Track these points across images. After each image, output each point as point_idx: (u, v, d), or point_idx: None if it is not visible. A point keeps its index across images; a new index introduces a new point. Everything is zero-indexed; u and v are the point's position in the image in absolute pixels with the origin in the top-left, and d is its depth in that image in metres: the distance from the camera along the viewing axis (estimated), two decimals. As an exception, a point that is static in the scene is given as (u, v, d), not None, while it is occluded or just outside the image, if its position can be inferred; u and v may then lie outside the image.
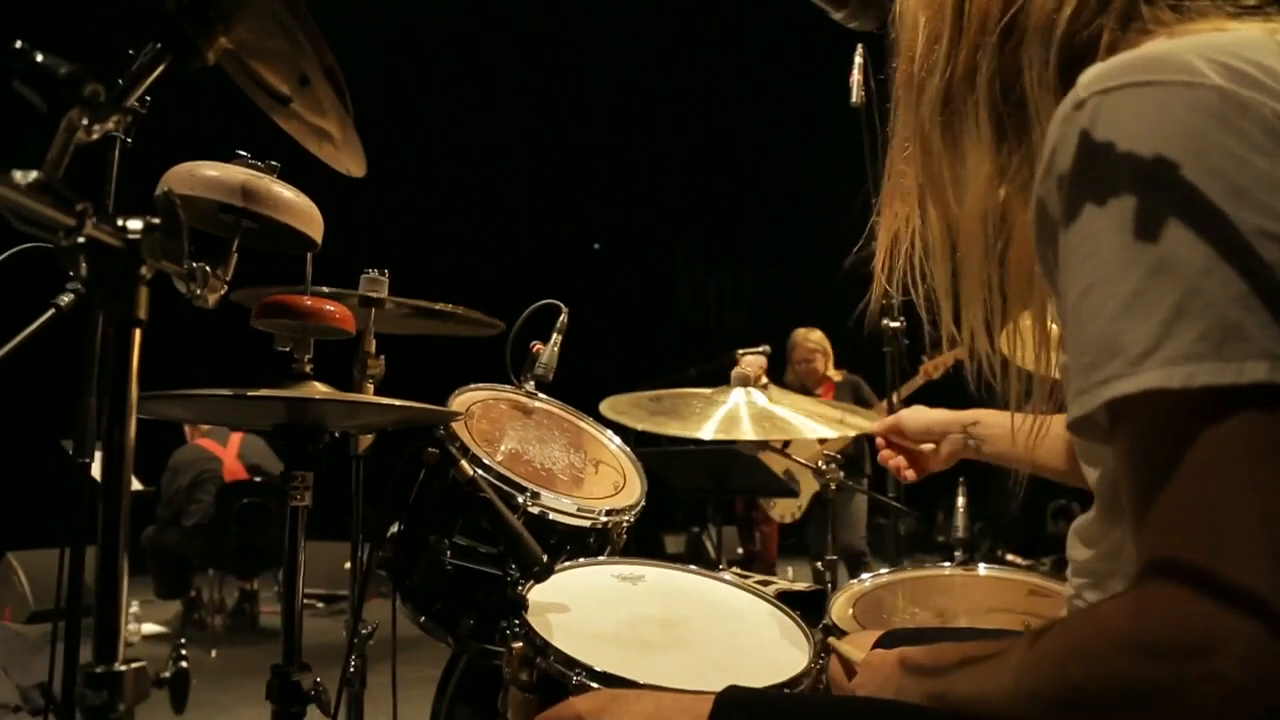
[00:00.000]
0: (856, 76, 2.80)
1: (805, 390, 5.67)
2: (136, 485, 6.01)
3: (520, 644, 1.38)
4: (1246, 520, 0.62)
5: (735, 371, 2.43)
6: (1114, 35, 0.84)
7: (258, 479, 5.60)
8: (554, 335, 2.14)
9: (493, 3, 9.40)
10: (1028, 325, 0.94)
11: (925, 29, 0.93)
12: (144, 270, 0.80)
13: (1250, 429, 0.64)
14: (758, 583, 1.88)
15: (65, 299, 1.45)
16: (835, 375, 5.69)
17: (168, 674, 0.81)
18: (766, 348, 6.61)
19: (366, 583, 1.65)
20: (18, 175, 0.65)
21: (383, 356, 1.85)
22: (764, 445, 4.17)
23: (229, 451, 5.75)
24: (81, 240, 0.71)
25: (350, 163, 0.99)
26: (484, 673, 1.99)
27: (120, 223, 0.78)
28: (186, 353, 3.56)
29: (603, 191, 11.59)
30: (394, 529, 1.86)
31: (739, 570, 1.95)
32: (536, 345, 2.15)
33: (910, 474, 1.72)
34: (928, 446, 1.74)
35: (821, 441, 3.72)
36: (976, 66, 0.89)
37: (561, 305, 2.17)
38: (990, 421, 1.61)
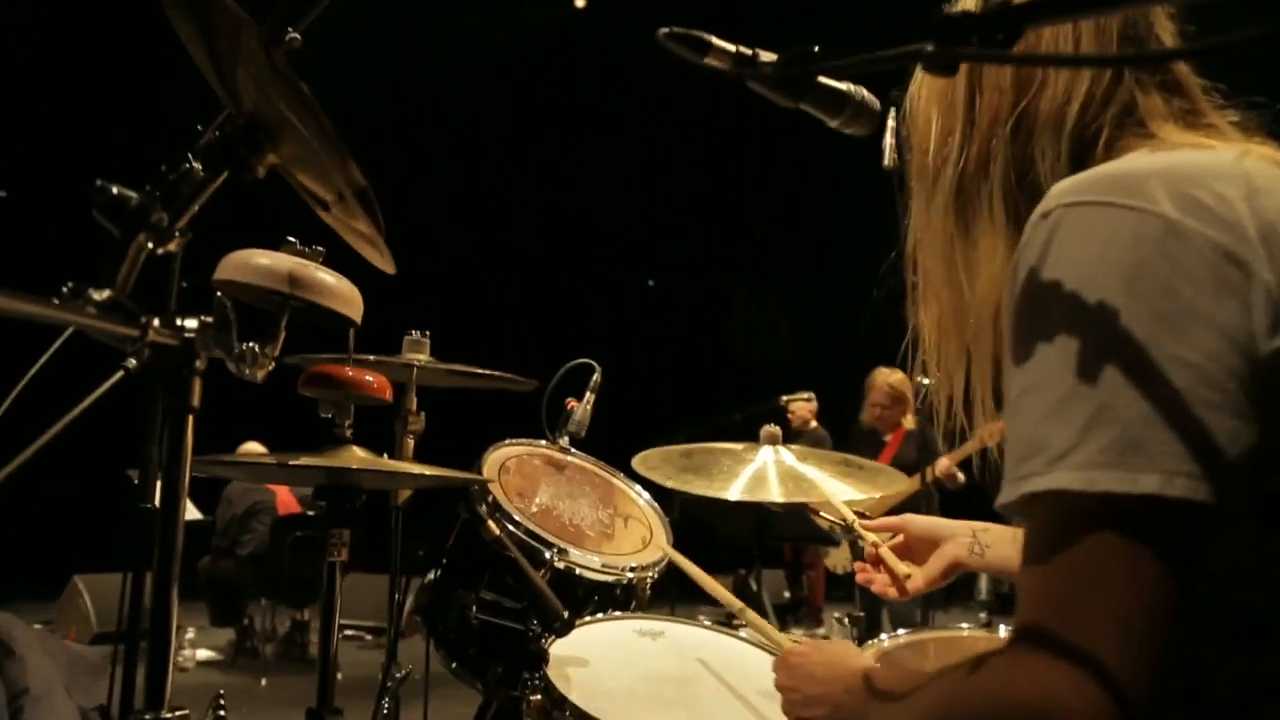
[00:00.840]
0: (889, 140, 2.86)
1: (875, 433, 5.63)
2: (195, 514, 6.23)
3: (539, 697, 1.47)
4: (1104, 615, 0.70)
5: (765, 430, 2.49)
6: (1112, 133, 0.92)
7: (310, 512, 5.77)
8: (587, 394, 2.23)
9: (541, 53, 9.64)
10: None
11: (938, 123, 1.01)
12: (198, 362, 0.91)
13: (1132, 534, 0.71)
14: (792, 639, 1.94)
15: (133, 362, 1.58)
16: (909, 423, 5.58)
17: (207, 722, 0.91)
18: (810, 394, 6.61)
19: (396, 634, 1.74)
20: (93, 293, 0.76)
21: (423, 414, 1.95)
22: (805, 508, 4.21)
23: (283, 490, 5.93)
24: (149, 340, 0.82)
25: (383, 263, 1.10)
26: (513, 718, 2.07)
27: (178, 322, 0.89)
28: (239, 412, 3.73)
29: (659, 229, 11.73)
30: (430, 576, 1.96)
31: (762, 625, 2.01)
32: (571, 402, 2.24)
33: (893, 592, 1.57)
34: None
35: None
36: (990, 157, 0.95)
37: (595, 365, 2.26)
38: (1000, 529, 1.55)
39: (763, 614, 1.79)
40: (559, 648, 1.58)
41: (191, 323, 0.90)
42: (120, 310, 0.77)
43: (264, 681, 5.41)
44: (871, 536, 1.60)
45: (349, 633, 6.55)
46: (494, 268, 11.07)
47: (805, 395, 6.31)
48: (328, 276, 1.22)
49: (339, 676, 2.12)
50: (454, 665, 1.89)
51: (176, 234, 0.83)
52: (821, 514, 3.46)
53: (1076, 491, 0.72)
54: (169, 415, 0.89)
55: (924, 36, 0.74)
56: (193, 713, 0.93)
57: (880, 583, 1.55)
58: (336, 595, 1.47)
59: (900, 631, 2.20)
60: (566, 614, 1.55)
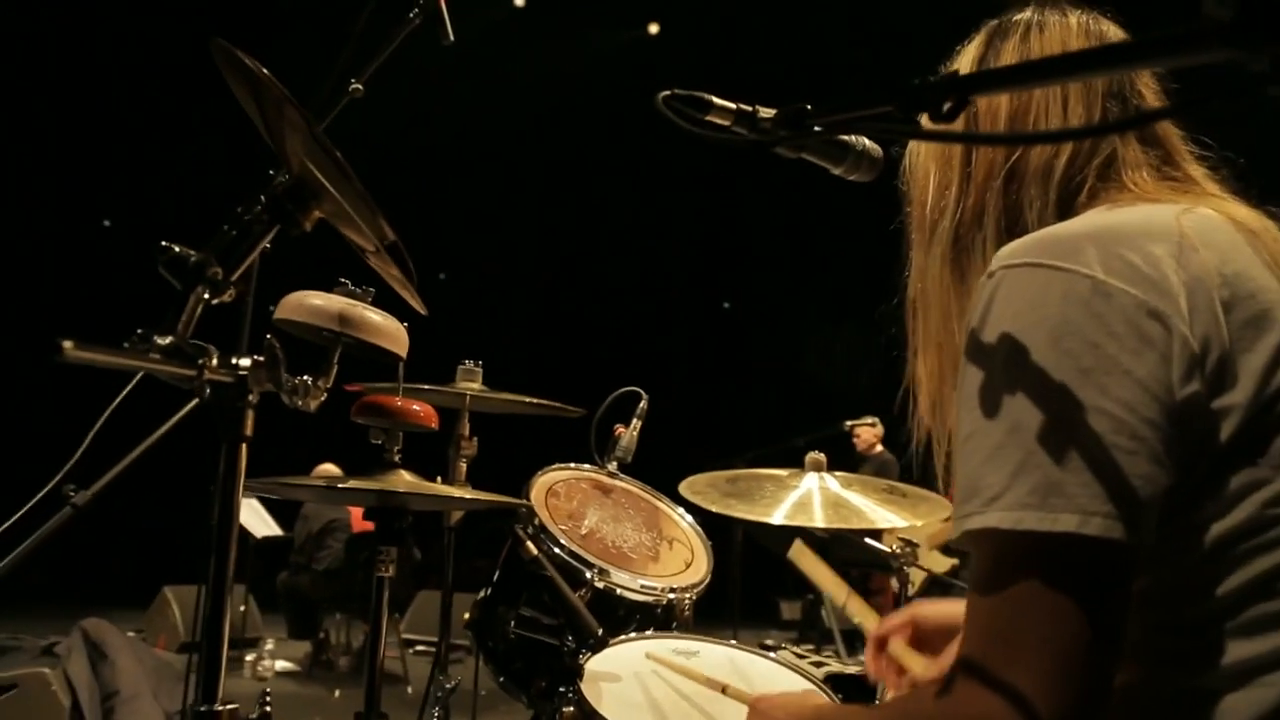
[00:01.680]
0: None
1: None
2: (274, 530, 6.49)
3: (572, 709, 1.55)
4: (1031, 644, 0.77)
5: (809, 457, 2.54)
6: (1094, 184, 0.99)
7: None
8: (634, 420, 2.32)
9: (609, 76, 9.81)
10: None
11: (935, 177, 1.08)
12: (251, 397, 1.03)
13: (1055, 569, 0.78)
14: (811, 664, 1.99)
15: (208, 391, 1.73)
16: None
17: (254, 716, 1.02)
18: (875, 419, 6.58)
19: (446, 644, 1.85)
20: (158, 339, 0.88)
21: (475, 439, 2.07)
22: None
23: (356, 510, 6.15)
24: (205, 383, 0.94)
25: (417, 305, 1.22)
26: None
27: (233, 361, 1.01)
28: (301, 435, 3.97)
29: (734, 252, 11.80)
30: (482, 594, 2.07)
31: (796, 650, 2.07)
32: (619, 429, 2.33)
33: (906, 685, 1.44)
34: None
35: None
36: (984, 208, 1.02)
37: (642, 392, 2.35)
38: None
39: (830, 640, 1.85)
40: (594, 664, 1.67)
41: (245, 361, 1.02)
42: (181, 354, 0.89)
43: (337, 693, 5.60)
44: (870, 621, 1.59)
45: (420, 647, 6.72)
46: (555, 295, 11.30)
47: (870, 420, 6.31)
48: (375, 315, 1.34)
49: (408, 690, 2.24)
50: (501, 679, 1.98)
51: (230, 286, 0.95)
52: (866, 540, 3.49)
53: (1006, 530, 0.79)
54: (224, 443, 1.01)
55: (889, 100, 0.82)
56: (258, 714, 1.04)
57: (890, 679, 1.42)
58: (384, 609, 1.58)
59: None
60: (600, 631, 1.63)
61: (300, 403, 1.24)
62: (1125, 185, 0.99)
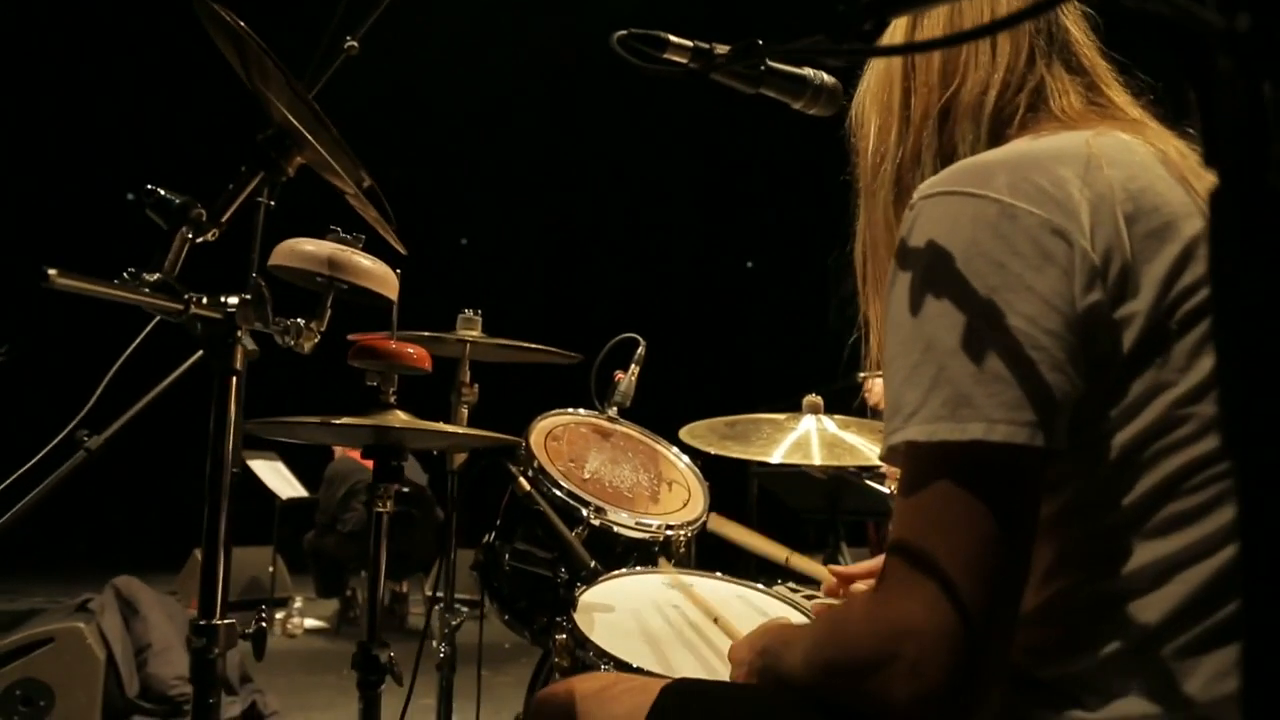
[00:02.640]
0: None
1: None
2: (302, 492, 6.63)
3: (564, 636, 1.63)
4: (944, 547, 0.83)
5: (807, 399, 2.60)
6: (1024, 115, 1.04)
7: (405, 489, 6.09)
8: (632, 366, 2.37)
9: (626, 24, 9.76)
10: None
11: (877, 123, 1.13)
12: (240, 333, 1.10)
13: (965, 477, 0.84)
14: (805, 597, 2.06)
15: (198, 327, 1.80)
16: None
17: (250, 630, 1.10)
18: (819, 398, 6.59)
19: (452, 579, 1.93)
20: (146, 276, 0.94)
21: (476, 385, 2.14)
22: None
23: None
24: (192, 316, 1.01)
25: (397, 246, 1.28)
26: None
27: (221, 299, 1.08)
28: (295, 384, 4.10)
29: (757, 210, 11.76)
30: (486, 537, 2.15)
31: (794, 585, 2.13)
32: (618, 374, 2.39)
33: None
34: None
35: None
36: (921, 148, 1.07)
37: (640, 338, 2.40)
38: None
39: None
40: (589, 596, 1.74)
41: (232, 299, 1.08)
42: (169, 289, 0.96)
43: (366, 648, 5.76)
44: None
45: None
46: (564, 247, 11.33)
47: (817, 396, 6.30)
48: (364, 260, 1.40)
49: (433, 644, 2.35)
50: (506, 617, 2.07)
51: (214, 227, 1.02)
52: (868, 481, 3.54)
53: (922, 442, 0.85)
54: (217, 376, 1.08)
55: (821, 28, 0.87)
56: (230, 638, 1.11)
57: None
58: (383, 544, 1.66)
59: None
60: (594, 564, 1.70)
61: (293, 343, 1.30)
62: (1054, 114, 1.03)
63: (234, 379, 1.09)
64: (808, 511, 5.11)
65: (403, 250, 1.31)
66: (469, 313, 2.13)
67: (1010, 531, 0.84)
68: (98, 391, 1.60)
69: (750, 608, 1.85)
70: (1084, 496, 0.89)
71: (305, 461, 6.87)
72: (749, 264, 12.73)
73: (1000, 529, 0.83)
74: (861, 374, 6.19)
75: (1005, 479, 0.85)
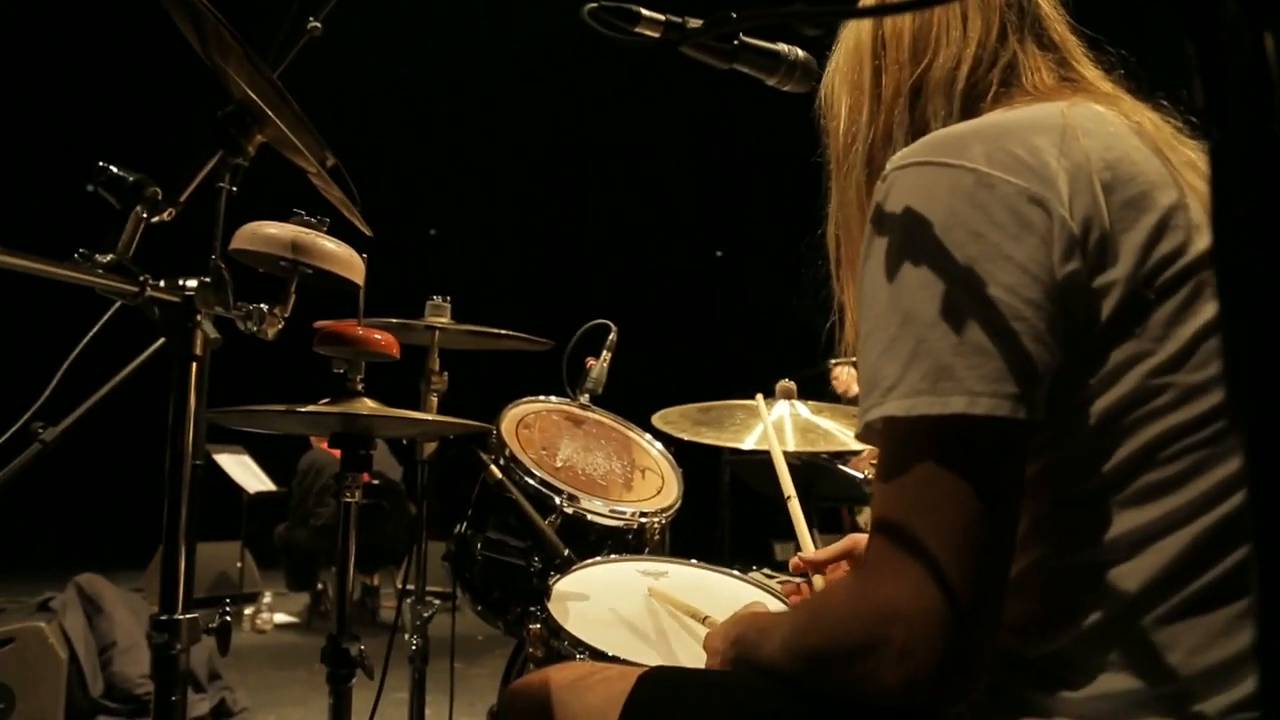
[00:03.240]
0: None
1: None
2: (270, 486, 6.55)
3: (538, 625, 1.60)
4: (929, 526, 0.82)
5: (780, 385, 2.59)
6: (997, 90, 1.03)
7: (376, 482, 6.03)
8: (604, 352, 2.35)
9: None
10: None
11: (847, 103, 1.12)
12: (199, 317, 1.06)
13: (948, 452, 0.82)
14: (781, 583, 2.05)
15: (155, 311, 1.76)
16: None
17: (214, 625, 1.06)
18: (792, 383, 6.58)
19: (423, 570, 1.90)
20: (99, 257, 0.91)
21: (446, 374, 2.10)
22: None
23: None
24: (147, 299, 0.97)
25: (362, 227, 1.24)
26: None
27: (180, 282, 1.04)
28: (261, 374, 4.02)
29: (725, 200, 11.76)
30: (457, 528, 2.12)
31: (769, 572, 2.12)
32: (590, 361, 2.37)
33: None
34: None
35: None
36: (893, 125, 1.06)
37: (611, 324, 2.38)
38: None
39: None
40: (563, 585, 1.72)
41: (191, 282, 1.05)
42: (123, 271, 0.92)
43: (337, 642, 5.70)
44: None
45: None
46: (525, 235, 11.28)
47: (854, 359, 6.29)
48: (329, 243, 1.37)
49: (406, 637, 2.31)
50: (479, 608, 2.04)
51: (169, 206, 0.98)
52: (842, 467, 3.53)
53: (901, 417, 0.83)
54: (176, 362, 1.04)
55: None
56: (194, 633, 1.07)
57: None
58: (352, 534, 1.62)
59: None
60: (567, 552, 1.68)
61: (256, 329, 1.27)
62: (1026, 89, 1.03)
63: (194, 365, 1.06)
64: (780, 499, 5.11)
65: (368, 231, 1.28)
66: (438, 299, 2.09)
67: (995, 507, 0.83)
68: (54, 381, 1.55)
69: (727, 595, 1.83)
70: (1061, 464, 0.88)
71: (273, 455, 6.78)
72: (718, 253, 12.74)
73: (985, 505, 0.82)
74: (832, 360, 6.22)
75: (989, 453, 0.84)
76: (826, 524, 5.92)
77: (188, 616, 1.03)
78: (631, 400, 2.44)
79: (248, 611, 6.09)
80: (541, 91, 10.09)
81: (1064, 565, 0.89)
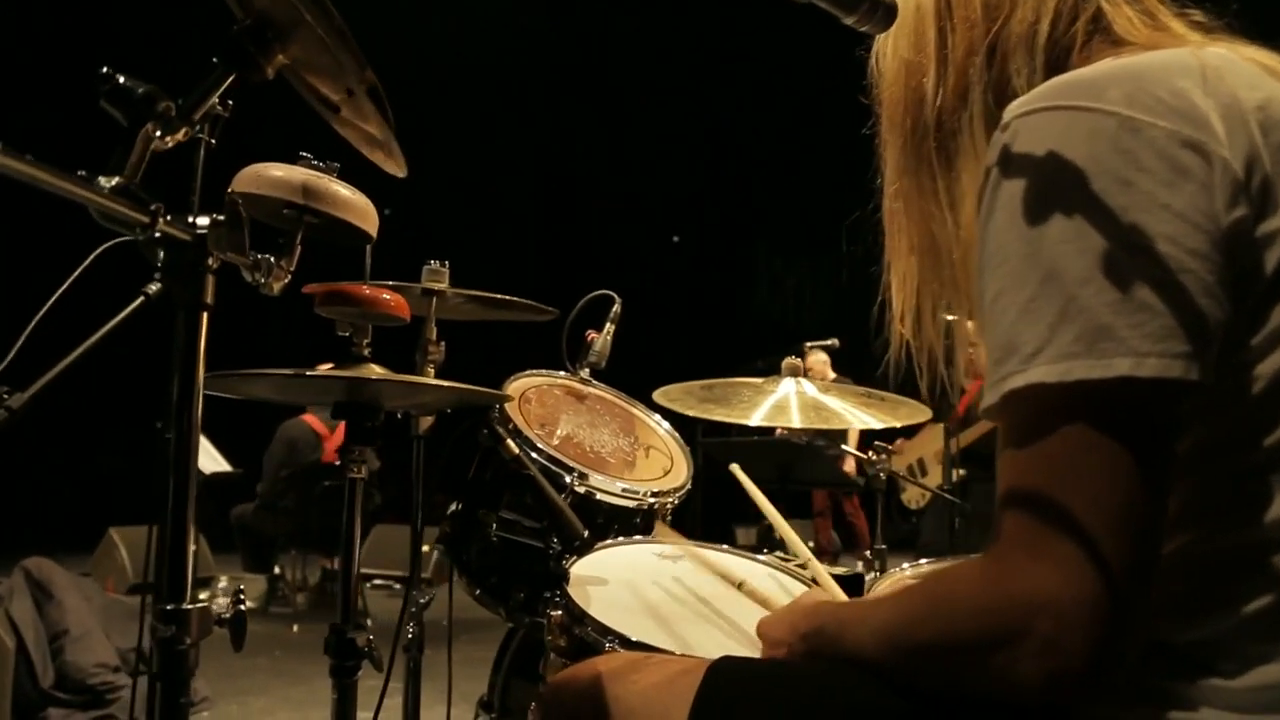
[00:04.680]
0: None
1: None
2: (225, 467, 6.31)
3: (559, 612, 1.48)
4: (1086, 505, 0.72)
5: (786, 362, 2.48)
6: (1083, 43, 0.94)
7: (338, 463, 5.81)
8: (607, 324, 2.23)
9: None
10: None
11: (910, 68, 1.02)
12: (211, 261, 0.92)
13: (1108, 420, 0.73)
14: (797, 565, 1.95)
15: (154, 287, 1.59)
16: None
17: (228, 615, 0.93)
18: (834, 341, 6.54)
19: (419, 554, 1.77)
20: (102, 180, 0.76)
21: (443, 343, 1.96)
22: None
23: (334, 439, 5.97)
24: (157, 235, 0.82)
25: (393, 165, 1.10)
26: (537, 648, 2.10)
27: (190, 219, 0.89)
28: (262, 343, 3.81)
29: (682, 184, 11.65)
30: (453, 508, 1.98)
31: (781, 555, 2.02)
32: (591, 334, 2.24)
33: None
34: None
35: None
36: (968, 85, 0.97)
37: (615, 296, 2.26)
38: None
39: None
40: (579, 568, 1.59)
41: (203, 220, 0.90)
42: (131, 196, 0.77)
43: (295, 628, 5.52)
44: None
45: (377, 582, 6.64)
46: (510, 207, 11.06)
47: (829, 341, 6.21)
48: (343, 189, 1.22)
49: (368, 622, 2.17)
50: (478, 592, 1.91)
51: (184, 125, 0.83)
52: (843, 448, 3.46)
53: (1052, 384, 0.74)
54: (183, 311, 0.90)
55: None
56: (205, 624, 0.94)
57: None
58: (357, 514, 1.48)
59: (923, 561, 2.20)
60: (586, 533, 1.56)
61: (263, 281, 1.13)
62: (1119, 39, 0.94)
63: (204, 316, 0.91)
64: (757, 483, 5.02)
65: (402, 171, 1.14)
66: (434, 264, 1.95)
67: (1155, 482, 0.74)
68: (19, 341, 1.38)
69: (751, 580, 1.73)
70: (1219, 435, 0.79)
71: (230, 435, 6.54)
72: (675, 238, 12.65)
73: (1145, 479, 0.73)
74: (808, 343, 6.14)
75: (1151, 420, 0.74)
76: (796, 509, 5.85)
77: (197, 606, 0.90)
78: (628, 377, 2.32)
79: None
80: (531, 69, 9.89)
81: (1220, 546, 0.80)
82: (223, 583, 6.07)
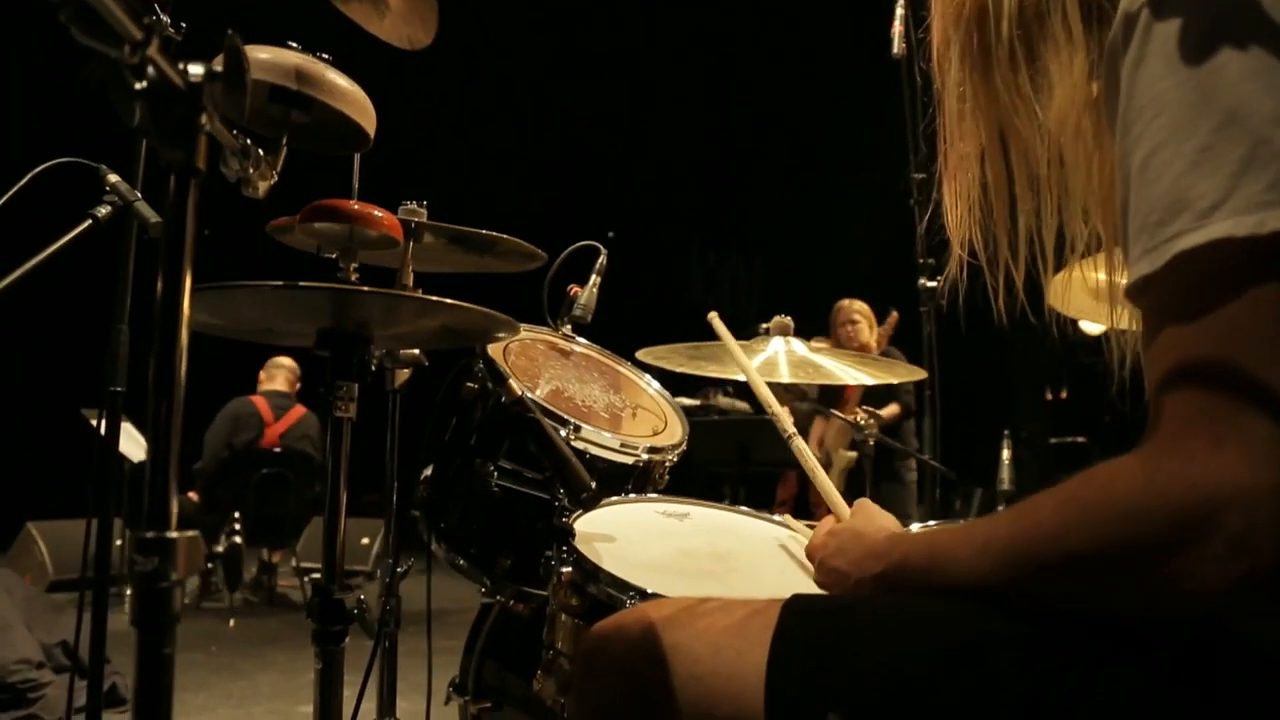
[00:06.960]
0: (898, 27, 2.74)
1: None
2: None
3: (570, 569, 1.34)
4: (1275, 378, 0.62)
5: (775, 321, 2.38)
6: None
7: (278, 449, 5.54)
8: (593, 277, 2.09)
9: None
10: None
11: None
12: (203, 119, 0.76)
13: None
14: (808, 525, 1.84)
15: (103, 210, 1.41)
16: (874, 346, 5.44)
17: (221, 549, 0.77)
18: (788, 319, 6.40)
19: (394, 525, 1.61)
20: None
21: (420, 290, 1.80)
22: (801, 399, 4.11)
23: (276, 426, 5.71)
24: (147, 64, 0.67)
25: (414, 29, 0.94)
26: (512, 627, 1.95)
27: (183, 66, 0.73)
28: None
29: (616, 180, 11.54)
30: (428, 472, 1.82)
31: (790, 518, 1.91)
32: (574, 288, 2.10)
33: None
34: None
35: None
36: None
37: (600, 247, 2.12)
38: None
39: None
40: (581, 525, 1.46)
41: (198, 68, 0.74)
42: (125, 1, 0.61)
43: (232, 623, 5.25)
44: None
45: (316, 575, 6.38)
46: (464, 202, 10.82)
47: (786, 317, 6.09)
48: (339, 78, 1.07)
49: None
50: (460, 562, 1.75)
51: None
52: (832, 411, 3.36)
53: (1243, 237, 0.63)
54: (172, 174, 0.74)
55: None
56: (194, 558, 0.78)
57: None
58: (343, 455, 1.32)
59: (932, 522, 2.10)
60: (594, 483, 1.42)
61: (250, 174, 0.97)
62: None
63: (193, 184, 0.76)
64: (715, 464, 4.92)
65: (429, 39, 0.98)
66: (411, 204, 1.78)
67: None
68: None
69: (757, 538, 1.61)
70: None
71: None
72: (610, 234, 12.54)
73: None
74: (763, 325, 6.04)
75: None
76: (756, 492, 5.76)
77: (186, 534, 0.74)
78: (610, 335, 2.19)
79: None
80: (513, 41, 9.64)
81: None
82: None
